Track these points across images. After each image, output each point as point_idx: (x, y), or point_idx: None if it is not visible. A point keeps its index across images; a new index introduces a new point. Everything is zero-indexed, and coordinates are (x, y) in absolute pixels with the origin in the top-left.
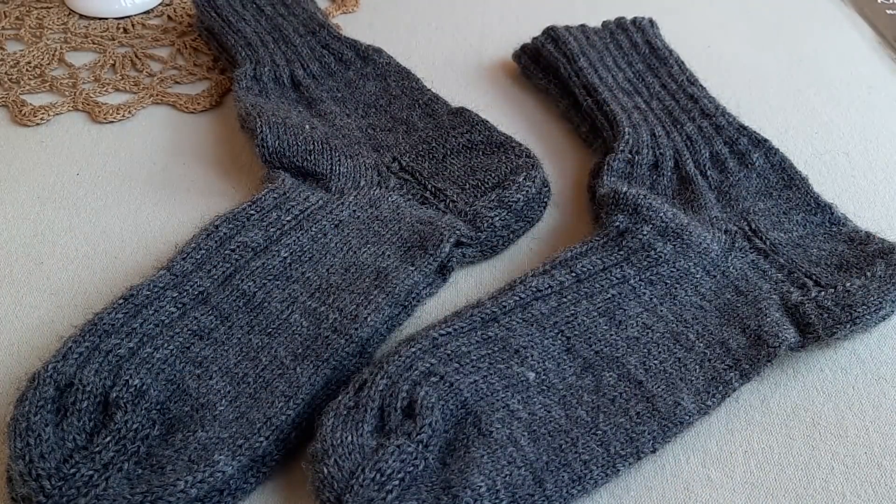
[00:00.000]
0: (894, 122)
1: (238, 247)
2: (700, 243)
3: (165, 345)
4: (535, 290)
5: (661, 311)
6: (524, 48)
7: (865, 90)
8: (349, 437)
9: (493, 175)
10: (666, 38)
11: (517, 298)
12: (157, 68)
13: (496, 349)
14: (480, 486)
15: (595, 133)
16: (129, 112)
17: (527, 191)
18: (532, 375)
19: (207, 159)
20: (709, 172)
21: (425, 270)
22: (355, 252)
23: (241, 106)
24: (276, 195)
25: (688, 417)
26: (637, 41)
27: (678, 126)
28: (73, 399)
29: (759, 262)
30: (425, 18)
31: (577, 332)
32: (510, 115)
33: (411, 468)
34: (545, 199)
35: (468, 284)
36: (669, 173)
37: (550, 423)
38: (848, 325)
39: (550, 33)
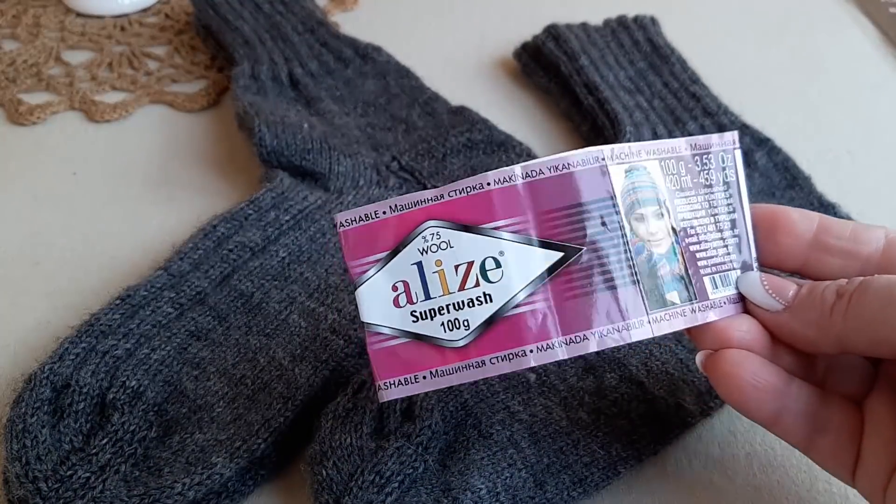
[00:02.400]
0: None
1: (236, 247)
2: None
3: (163, 346)
4: None
5: None
6: (525, 46)
7: (869, 89)
8: (348, 439)
9: None
10: (668, 36)
11: None
12: (155, 67)
13: None
14: (481, 489)
15: (596, 132)
16: (127, 111)
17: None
18: (533, 377)
19: (205, 158)
20: None
21: None
22: None
23: (238, 105)
24: (274, 195)
25: (690, 419)
26: (639, 39)
27: (680, 125)
28: (70, 400)
29: None
30: (425, 16)
31: None
32: (511, 114)
33: (411, 470)
34: None
35: None
36: None
37: (551, 424)
38: None
39: (551, 31)
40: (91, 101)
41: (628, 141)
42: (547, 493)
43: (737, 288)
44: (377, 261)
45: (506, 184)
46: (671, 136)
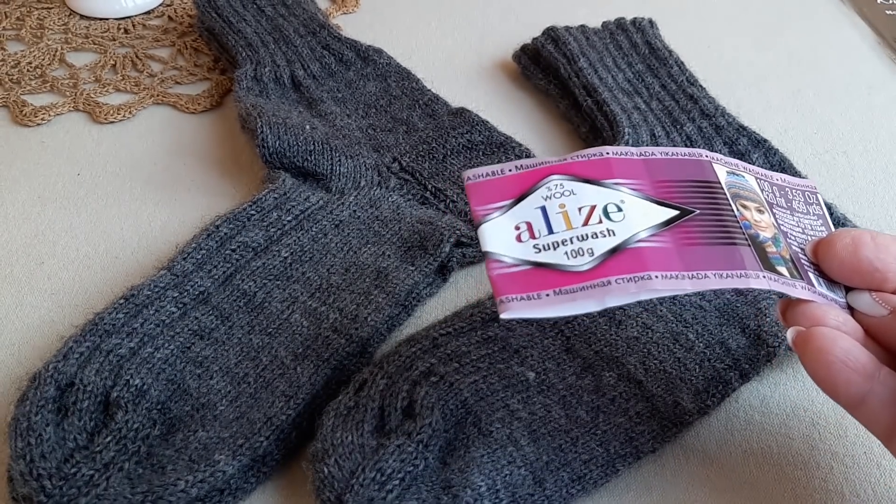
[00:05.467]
0: (893, 122)
1: (238, 247)
2: None
3: (166, 345)
4: None
5: (661, 310)
6: (524, 48)
7: (865, 90)
8: (349, 437)
9: None
10: (665, 38)
11: None
12: (158, 69)
13: (496, 349)
14: (480, 486)
15: (595, 133)
16: (130, 112)
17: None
18: (532, 375)
19: (208, 159)
20: None
21: (426, 270)
22: (356, 252)
23: (241, 106)
24: (276, 195)
25: (687, 417)
26: (637, 42)
27: (678, 126)
28: (74, 399)
29: None
30: (425, 18)
31: (576, 332)
32: (510, 116)
33: (411, 468)
34: None
35: (468, 284)
36: None
37: (550, 422)
38: None
39: (550, 34)
40: (95, 102)
41: (626, 142)
42: (546, 491)
43: (843, 297)
44: (501, 207)
45: (623, 156)
46: (669, 137)
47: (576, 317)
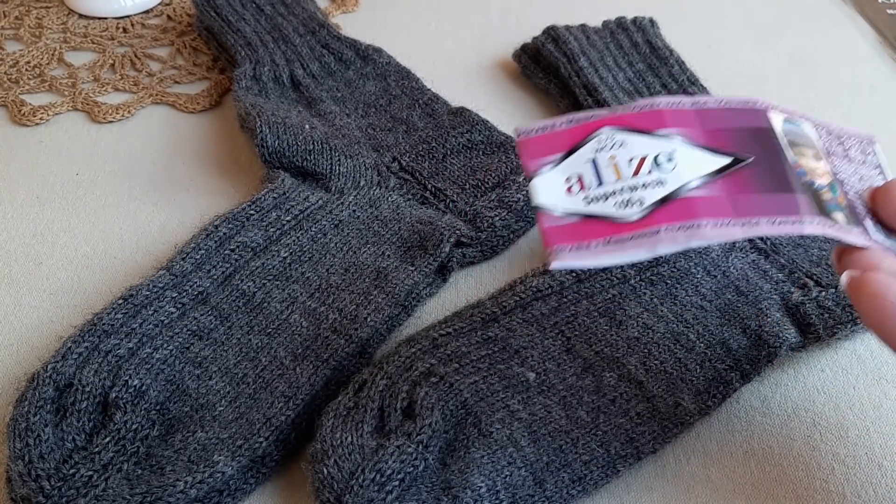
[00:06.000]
0: (895, 122)
1: (238, 247)
2: None
3: (165, 345)
4: (535, 289)
5: (662, 311)
6: (524, 48)
7: (866, 90)
8: (349, 438)
9: (493, 175)
10: (666, 37)
11: (517, 298)
12: (157, 68)
13: (496, 349)
14: (480, 487)
15: None
16: (129, 112)
17: (527, 190)
18: (532, 376)
19: (207, 159)
20: None
21: (425, 270)
22: (355, 252)
23: (240, 106)
24: (275, 195)
25: (688, 418)
26: (637, 41)
27: None
28: (73, 399)
29: (759, 263)
30: (425, 18)
31: (577, 333)
32: (510, 115)
33: (411, 469)
34: None
35: (468, 284)
36: None
37: (551, 423)
38: (849, 325)
39: (551, 33)
40: (93, 102)
41: None
42: (546, 492)
43: None
44: (551, 161)
45: (676, 106)
46: None
47: (576, 317)
